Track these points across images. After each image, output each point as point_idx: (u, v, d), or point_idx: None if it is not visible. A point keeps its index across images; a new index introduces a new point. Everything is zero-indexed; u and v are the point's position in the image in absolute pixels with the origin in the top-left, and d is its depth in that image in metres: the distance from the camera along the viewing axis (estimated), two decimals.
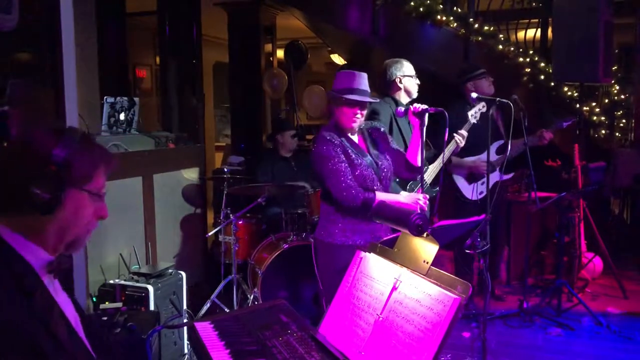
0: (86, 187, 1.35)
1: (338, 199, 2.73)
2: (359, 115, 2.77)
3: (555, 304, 4.38)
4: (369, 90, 2.80)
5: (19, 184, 1.27)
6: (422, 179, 2.82)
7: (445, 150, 3.30)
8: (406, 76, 3.60)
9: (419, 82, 3.64)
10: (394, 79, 3.60)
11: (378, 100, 3.37)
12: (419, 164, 2.77)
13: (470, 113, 3.50)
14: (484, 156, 4.38)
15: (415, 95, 3.63)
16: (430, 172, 3.47)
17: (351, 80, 2.75)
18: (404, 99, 3.61)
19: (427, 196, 2.83)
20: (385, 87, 3.66)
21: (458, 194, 4.49)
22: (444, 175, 3.94)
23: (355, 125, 2.80)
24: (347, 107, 2.75)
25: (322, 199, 2.92)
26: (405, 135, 3.51)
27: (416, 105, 2.79)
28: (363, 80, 2.77)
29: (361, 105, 2.75)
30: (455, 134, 3.27)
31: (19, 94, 2.87)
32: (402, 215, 1.73)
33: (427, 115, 2.76)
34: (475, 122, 3.53)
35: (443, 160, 3.20)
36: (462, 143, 3.25)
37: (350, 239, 2.76)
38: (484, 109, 3.58)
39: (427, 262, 1.64)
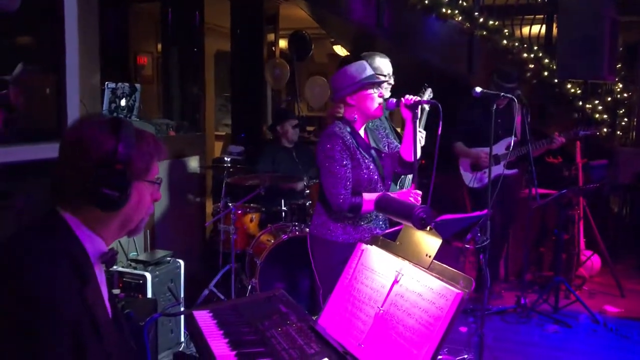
0: (146, 178, 1.41)
1: (328, 200, 2.73)
2: (380, 98, 2.73)
3: (552, 301, 4.39)
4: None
5: (86, 183, 1.29)
6: (415, 173, 2.74)
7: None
8: None
9: None
10: None
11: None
12: (412, 158, 2.69)
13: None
14: (485, 150, 4.40)
15: None
16: None
17: (365, 68, 2.72)
18: None
19: (420, 193, 2.70)
20: None
21: (460, 179, 4.56)
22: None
23: (381, 109, 2.76)
24: (373, 91, 2.71)
25: (322, 196, 2.84)
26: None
27: (408, 96, 2.66)
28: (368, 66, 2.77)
29: (380, 85, 2.75)
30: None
31: (23, 77, 2.86)
32: (406, 208, 1.72)
33: (420, 107, 2.68)
34: (427, 108, 3.07)
35: (415, 157, 2.71)
36: (421, 142, 2.88)
37: (351, 236, 2.73)
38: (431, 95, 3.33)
39: (430, 256, 1.62)
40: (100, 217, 1.35)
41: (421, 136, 2.84)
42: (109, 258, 1.39)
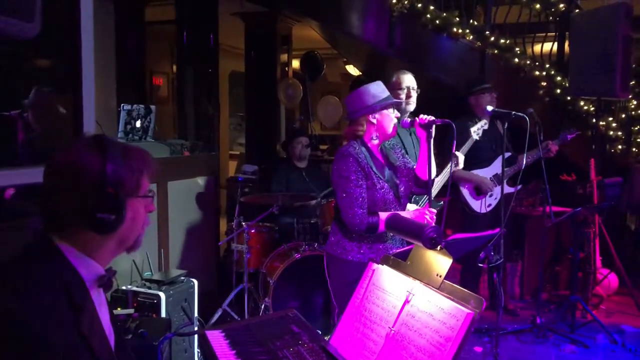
0: (138, 194, 1.38)
1: (345, 220, 2.74)
2: (395, 119, 2.79)
3: (569, 320, 4.33)
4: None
5: (80, 210, 1.27)
6: (429, 193, 2.77)
7: (447, 168, 3.30)
8: None
9: None
10: None
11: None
12: (428, 177, 2.75)
13: (472, 129, 3.49)
14: (485, 171, 4.39)
15: None
16: (436, 186, 3.41)
17: (384, 88, 2.79)
18: None
19: (434, 211, 2.73)
20: None
21: (466, 207, 4.48)
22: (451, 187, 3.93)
23: (395, 129, 2.82)
24: (389, 112, 2.77)
25: (338, 215, 2.87)
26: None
27: (422, 116, 2.72)
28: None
29: (395, 106, 2.82)
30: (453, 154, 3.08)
31: (39, 101, 2.92)
32: (416, 227, 1.73)
33: (434, 127, 2.72)
34: (478, 138, 3.53)
35: (429, 176, 2.84)
36: (460, 165, 3.04)
37: (367, 256, 2.73)
38: (486, 127, 3.57)
39: (440, 276, 1.63)
40: (96, 240, 1.32)
41: (456, 161, 2.98)
42: (106, 281, 1.37)
